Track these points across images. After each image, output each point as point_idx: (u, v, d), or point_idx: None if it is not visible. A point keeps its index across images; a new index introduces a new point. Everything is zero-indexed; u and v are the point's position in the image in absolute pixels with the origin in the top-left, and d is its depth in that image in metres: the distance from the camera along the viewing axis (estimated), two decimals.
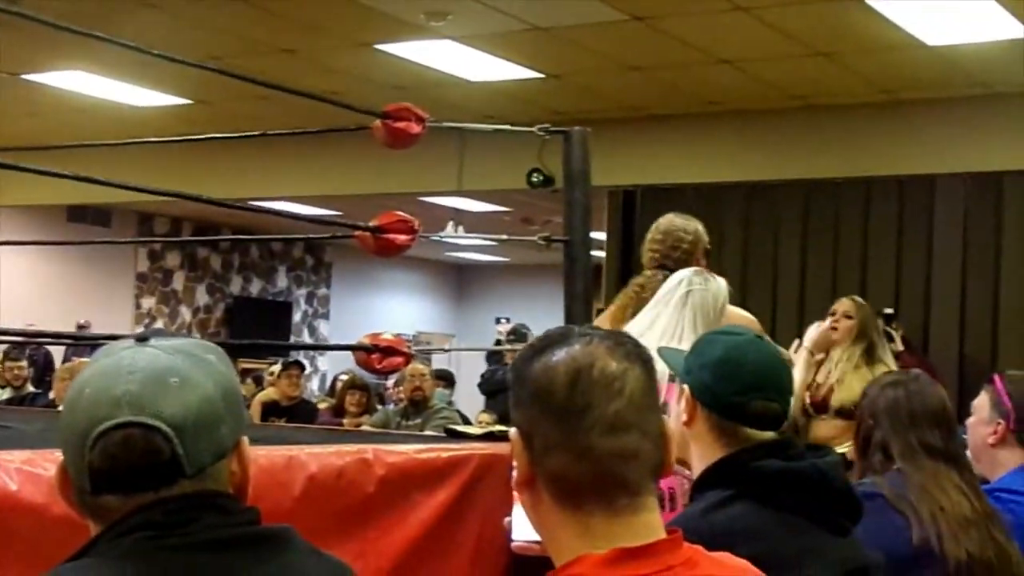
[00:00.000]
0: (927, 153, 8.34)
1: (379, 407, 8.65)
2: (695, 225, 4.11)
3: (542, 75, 8.25)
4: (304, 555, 1.39)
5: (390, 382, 10.44)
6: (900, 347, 7.81)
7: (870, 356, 5.24)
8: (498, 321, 14.63)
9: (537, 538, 1.44)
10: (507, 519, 1.50)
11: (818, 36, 7.13)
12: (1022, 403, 3.01)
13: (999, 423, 3.02)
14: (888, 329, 7.86)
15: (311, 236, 7.41)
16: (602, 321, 3.96)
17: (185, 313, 15.25)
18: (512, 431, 1.40)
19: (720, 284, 3.48)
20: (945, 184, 8.47)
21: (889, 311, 8.00)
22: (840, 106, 8.57)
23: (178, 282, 15.16)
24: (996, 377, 3.11)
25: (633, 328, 3.43)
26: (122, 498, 1.31)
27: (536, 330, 11.80)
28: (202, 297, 15.45)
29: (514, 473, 1.39)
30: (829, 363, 5.24)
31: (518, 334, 10.79)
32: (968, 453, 3.14)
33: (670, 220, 4.18)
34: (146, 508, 1.30)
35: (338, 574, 1.46)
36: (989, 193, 8.31)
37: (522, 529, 1.50)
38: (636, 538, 1.33)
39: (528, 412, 1.38)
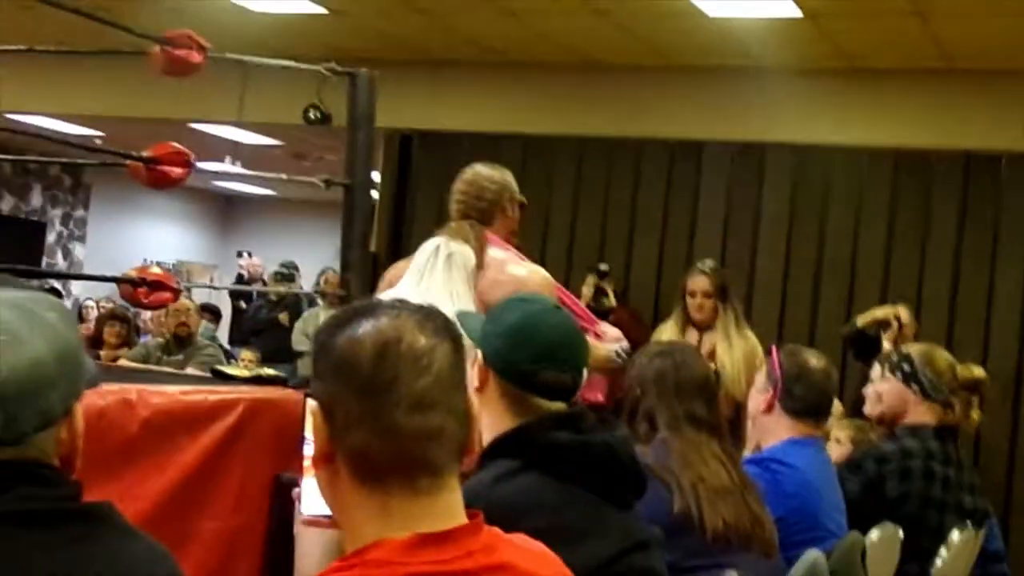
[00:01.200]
0: (697, 119, 8.58)
1: (138, 339, 8.38)
2: (502, 175, 4.00)
3: (325, 11, 8.08)
4: (120, 537, 1.31)
5: (147, 314, 10.12)
6: (613, 302, 8.06)
7: (738, 325, 5.16)
8: (239, 255, 14.15)
9: (328, 512, 1.40)
10: (296, 490, 1.45)
11: None
12: (789, 372, 3.17)
13: (769, 391, 3.18)
14: (601, 284, 8.10)
15: (76, 161, 7.00)
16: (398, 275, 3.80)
17: None
18: (312, 404, 1.35)
19: (468, 249, 3.57)
20: (712, 151, 8.75)
21: (604, 267, 8.19)
22: (617, 66, 8.71)
23: None
24: (773, 348, 3.27)
25: (402, 294, 3.43)
26: None
27: (304, 266, 11.67)
28: None
29: (310, 446, 1.35)
30: (710, 345, 5.05)
31: (286, 273, 10.62)
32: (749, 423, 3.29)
33: (475, 170, 4.07)
34: None
35: (153, 558, 1.37)
36: (752, 163, 8.64)
37: (313, 502, 1.46)
38: (436, 521, 1.30)
39: (330, 385, 1.33)
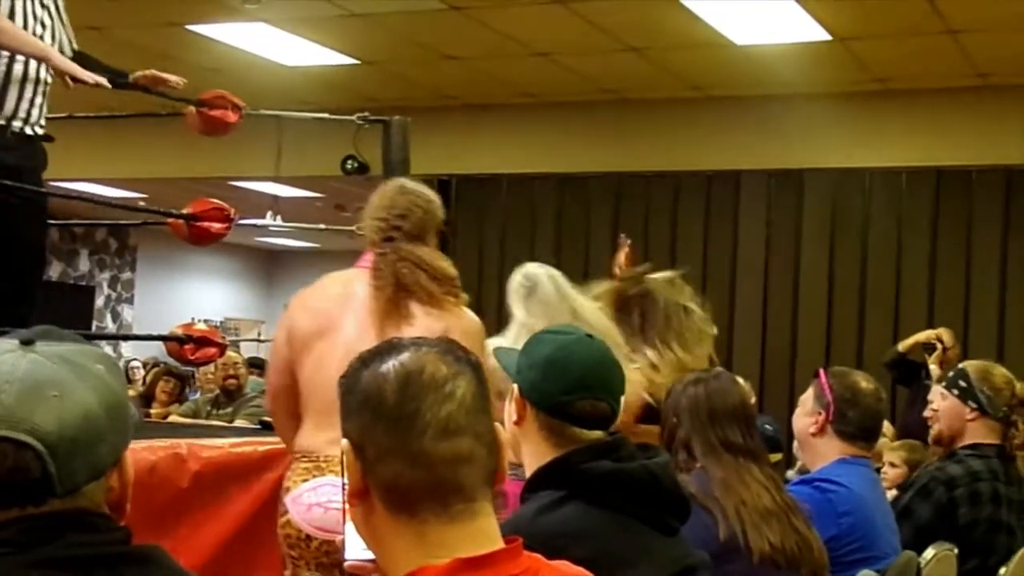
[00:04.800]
0: (733, 149, 8.59)
1: (189, 396, 8.44)
2: (429, 195, 3.40)
3: (357, 61, 8.18)
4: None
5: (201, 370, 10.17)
6: None
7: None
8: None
9: (371, 556, 1.42)
10: (339, 537, 1.46)
11: (631, 32, 7.26)
12: (841, 395, 3.13)
13: (819, 414, 3.14)
14: None
15: (120, 223, 7.14)
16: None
17: None
18: (343, 442, 1.38)
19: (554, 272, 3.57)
20: (749, 180, 8.75)
21: None
22: (650, 101, 8.75)
23: None
24: (821, 371, 3.23)
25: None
26: None
27: None
28: None
29: (344, 485, 1.37)
30: None
31: None
32: (795, 444, 3.25)
33: (399, 185, 3.45)
34: (6, 524, 1.24)
35: None
36: (790, 189, 8.63)
37: (354, 547, 1.47)
38: (474, 546, 1.32)
39: (359, 420, 1.36)
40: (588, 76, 8.32)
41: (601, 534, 1.84)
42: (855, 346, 8.27)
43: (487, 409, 1.39)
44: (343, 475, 1.37)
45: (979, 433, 3.68)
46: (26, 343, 1.29)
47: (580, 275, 9.75)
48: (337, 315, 3.18)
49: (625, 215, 9.04)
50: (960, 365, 3.98)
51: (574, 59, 7.95)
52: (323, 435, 2.92)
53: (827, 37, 7.12)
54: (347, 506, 1.40)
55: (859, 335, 8.34)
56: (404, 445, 1.33)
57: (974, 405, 3.68)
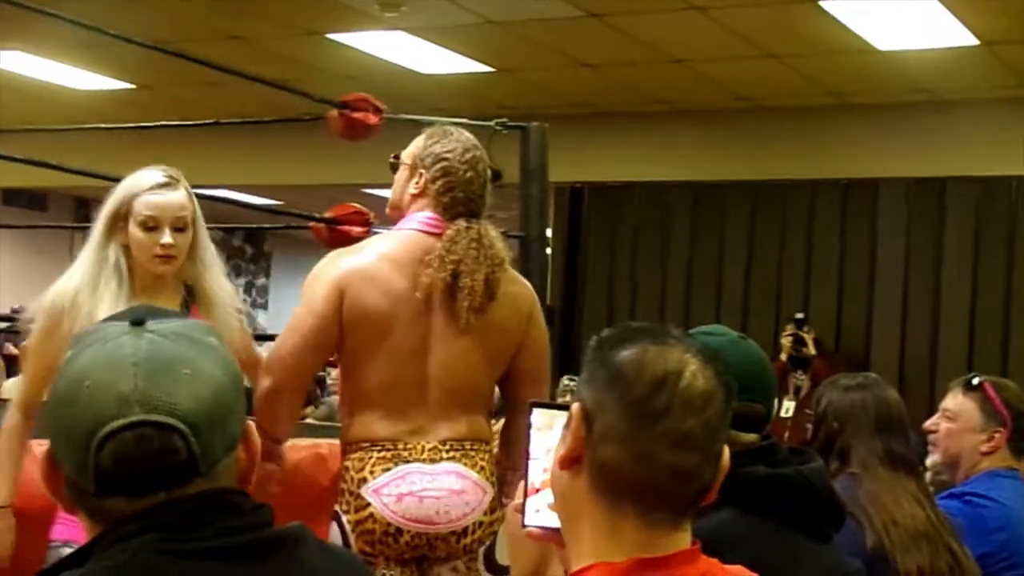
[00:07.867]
0: (872, 157, 8.42)
1: (322, 399, 8.57)
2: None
3: (493, 69, 8.21)
4: (316, 555, 1.32)
5: (333, 374, 10.31)
6: (812, 351, 7.91)
7: None
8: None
9: (552, 525, 1.41)
10: (518, 501, 1.47)
11: (769, 38, 7.16)
12: (1018, 410, 2.97)
13: (997, 432, 2.96)
14: (800, 333, 7.94)
15: (263, 226, 7.26)
16: None
17: None
18: (575, 405, 1.36)
19: None
20: (888, 188, 8.56)
21: (800, 315, 8.08)
22: (788, 108, 8.62)
23: None
24: (985, 384, 3.03)
25: None
26: (130, 500, 1.22)
27: None
28: None
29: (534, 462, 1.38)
30: None
31: None
32: (933, 458, 3.11)
33: (469, 142, 3.02)
34: (156, 510, 1.22)
35: (351, 571, 1.40)
36: (932, 198, 8.42)
37: (536, 515, 1.47)
38: (658, 551, 1.31)
39: (600, 394, 1.34)
40: (724, 83, 8.23)
41: (755, 541, 1.80)
42: (999, 360, 8.02)
43: (726, 429, 1.36)
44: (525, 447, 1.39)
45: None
46: (137, 323, 1.26)
47: (714, 281, 9.68)
48: (407, 305, 2.85)
49: (760, 224, 8.92)
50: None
51: (711, 66, 7.87)
52: (403, 425, 2.81)
53: (974, 42, 6.92)
54: (531, 474, 1.44)
55: (1003, 349, 8.09)
56: (636, 439, 1.31)
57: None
